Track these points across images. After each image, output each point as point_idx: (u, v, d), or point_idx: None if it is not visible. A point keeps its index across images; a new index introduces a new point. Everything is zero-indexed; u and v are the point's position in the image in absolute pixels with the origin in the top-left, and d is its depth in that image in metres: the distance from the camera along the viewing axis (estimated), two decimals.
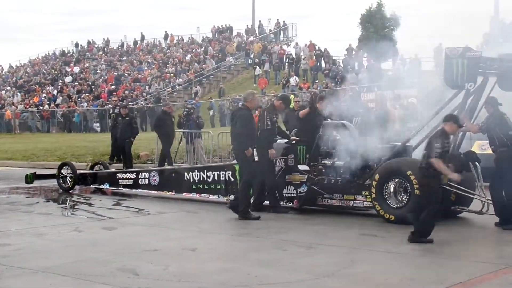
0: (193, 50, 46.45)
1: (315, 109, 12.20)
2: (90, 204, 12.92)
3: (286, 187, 11.46)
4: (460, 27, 11.23)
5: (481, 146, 12.06)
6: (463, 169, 10.23)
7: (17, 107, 42.50)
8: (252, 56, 41.86)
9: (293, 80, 34.59)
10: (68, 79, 46.94)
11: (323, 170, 11.11)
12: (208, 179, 12.66)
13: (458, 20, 11.40)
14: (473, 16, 10.89)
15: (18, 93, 45.87)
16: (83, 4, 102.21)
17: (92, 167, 15.76)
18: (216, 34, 48.68)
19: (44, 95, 44.29)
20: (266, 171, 11.24)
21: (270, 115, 11.37)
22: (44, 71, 50.85)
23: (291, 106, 16.01)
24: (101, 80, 44.75)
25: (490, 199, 9.77)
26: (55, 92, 44.63)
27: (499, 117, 9.73)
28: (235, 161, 12.88)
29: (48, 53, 56.17)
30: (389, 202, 10.11)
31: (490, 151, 10.10)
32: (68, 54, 54.52)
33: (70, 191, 14.51)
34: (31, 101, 43.70)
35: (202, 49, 45.88)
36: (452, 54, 10.02)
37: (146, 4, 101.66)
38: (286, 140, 11.79)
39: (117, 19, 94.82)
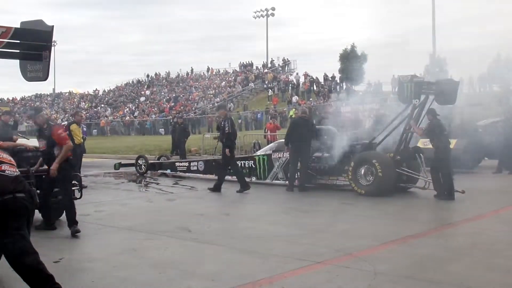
0: (226, 78, 46.45)
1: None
2: (157, 184, 12.95)
3: None
4: (409, 61, 11.19)
5: (424, 143, 11.95)
6: (412, 158, 10.19)
7: (108, 118, 42.88)
8: (266, 82, 41.76)
9: (295, 99, 34.52)
10: (142, 99, 47.17)
11: (315, 159, 11.09)
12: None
13: (409, 55, 11.34)
14: (417, 53, 10.83)
15: (109, 108, 46.30)
16: (153, 47, 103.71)
17: (159, 158, 15.81)
18: (242, 67, 48.60)
19: (126, 109, 44.59)
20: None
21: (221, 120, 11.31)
22: (126, 94, 51.09)
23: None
24: (164, 99, 44.94)
25: (430, 179, 9.70)
26: (133, 107, 44.91)
27: (437, 123, 9.65)
28: (255, 154, 12.89)
29: (128, 81, 56.40)
30: (361, 181, 10.06)
31: (430, 146, 10.00)
32: (142, 82, 54.77)
33: (144, 175, 14.59)
34: (117, 114, 44.02)
35: (233, 78, 45.84)
36: (403, 79, 9.96)
37: (195, 48, 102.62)
38: (283, 141, 11.56)
39: (175, 57, 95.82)
